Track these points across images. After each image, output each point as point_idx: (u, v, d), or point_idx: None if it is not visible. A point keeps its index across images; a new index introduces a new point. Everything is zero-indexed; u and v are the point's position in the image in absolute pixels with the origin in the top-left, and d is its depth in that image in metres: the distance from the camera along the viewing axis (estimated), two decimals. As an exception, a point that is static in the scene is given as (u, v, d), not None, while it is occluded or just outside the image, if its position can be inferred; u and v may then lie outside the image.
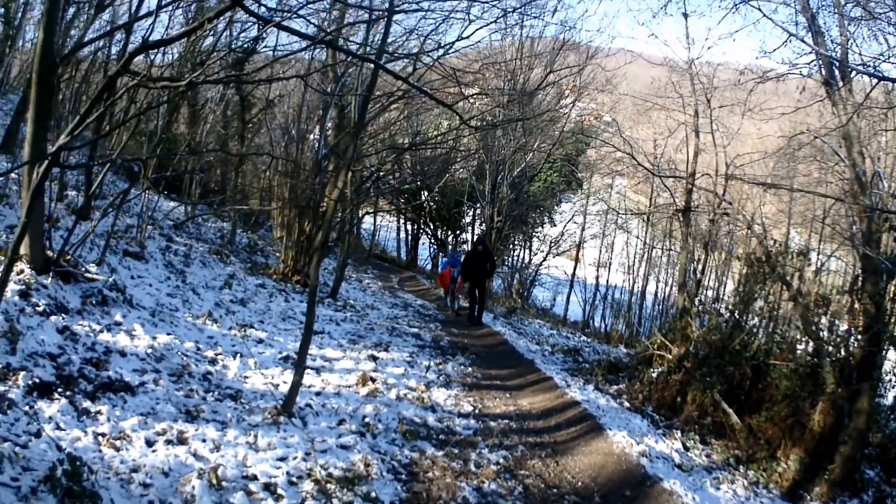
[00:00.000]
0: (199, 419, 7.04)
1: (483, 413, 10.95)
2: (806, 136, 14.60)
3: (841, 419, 10.37)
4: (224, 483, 5.80)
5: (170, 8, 13.29)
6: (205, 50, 18.23)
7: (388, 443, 8.23)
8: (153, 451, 6.07)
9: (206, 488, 5.60)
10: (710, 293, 20.24)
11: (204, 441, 6.49)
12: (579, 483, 8.64)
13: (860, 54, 12.28)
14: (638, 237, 36.65)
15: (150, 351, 8.57)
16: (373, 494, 6.46)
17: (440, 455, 8.25)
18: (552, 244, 40.56)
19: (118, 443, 6.01)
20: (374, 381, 10.67)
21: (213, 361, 9.36)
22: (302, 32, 9.17)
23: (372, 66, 10.57)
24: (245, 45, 18.88)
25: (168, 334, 9.64)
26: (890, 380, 12.26)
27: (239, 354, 9.88)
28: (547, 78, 29.30)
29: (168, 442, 6.32)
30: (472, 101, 30.97)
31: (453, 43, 18.17)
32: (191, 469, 5.86)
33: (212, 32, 17.97)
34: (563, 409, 11.72)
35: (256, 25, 15.15)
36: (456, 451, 8.58)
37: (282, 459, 6.57)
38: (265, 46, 19.30)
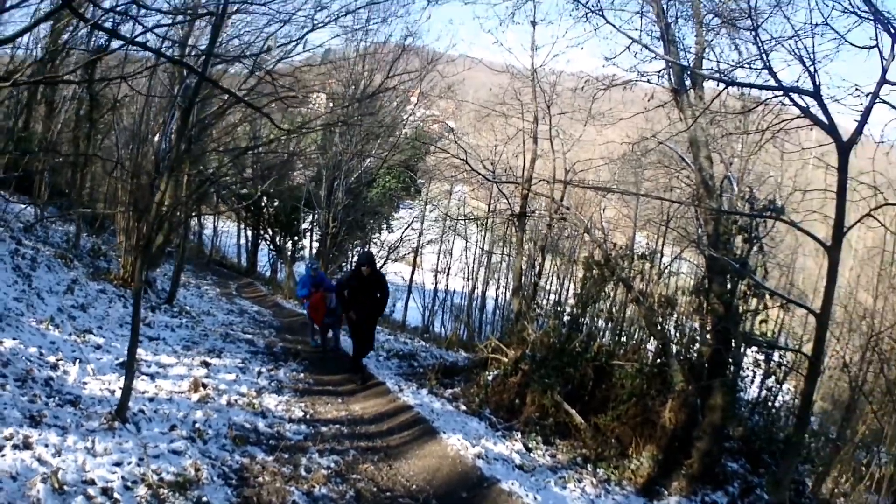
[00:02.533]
0: (42, 424, 6.88)
1: (314, 418, 11.05)
2: (651, 141, 14.91)
3: (693, 415, 10.59)
4: (66, 487, 5.72)
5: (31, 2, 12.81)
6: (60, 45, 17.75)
7: (218, 448, 8.19)
8: (2, 455, 5.94)
9: (49, 492, 5.55)
10: (552, 297, 20.43)
11: (47, 446, 6.36)
12: (413, 486, 8.75)
13: (717, 62, 12.59)
14: (476, 243, 36.86)
15: (-4, 356, 8.25)
16: (204, 499, 6.48)
17: (270, 460, 8.28)
18: (390, 250, 40.92)
19: (-31, 448, 5.82)
20: (205, 386, 10.62)
21: (54, 367, 9.11)
22: (122, 35, 8.87)
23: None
24: (100, 43, 18.42)
25: (14, 339, 9.34)
26: (747, 375, 12.61)
27: (78, 360, 9.65)
28: (386, 83, 29.18)
29: (15, 447, 6.17)
30: (310, 104, 30.87)
31: (291, 48, 17.93)
32: (36, 473, 5.75)
33: (69, 30, 17.47)
34: (395, 414, 11.84)
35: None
36: (286, 456, 8.60)
37: (117, 465, 6.48)
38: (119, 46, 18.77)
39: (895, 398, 10.93)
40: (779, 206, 10.86)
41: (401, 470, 9.20)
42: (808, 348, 9.97)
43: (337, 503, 7.57)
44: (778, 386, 13.10)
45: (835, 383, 15.02)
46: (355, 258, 20.17)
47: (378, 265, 20.73)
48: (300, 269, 40.47)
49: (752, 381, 13.02)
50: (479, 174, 22.15)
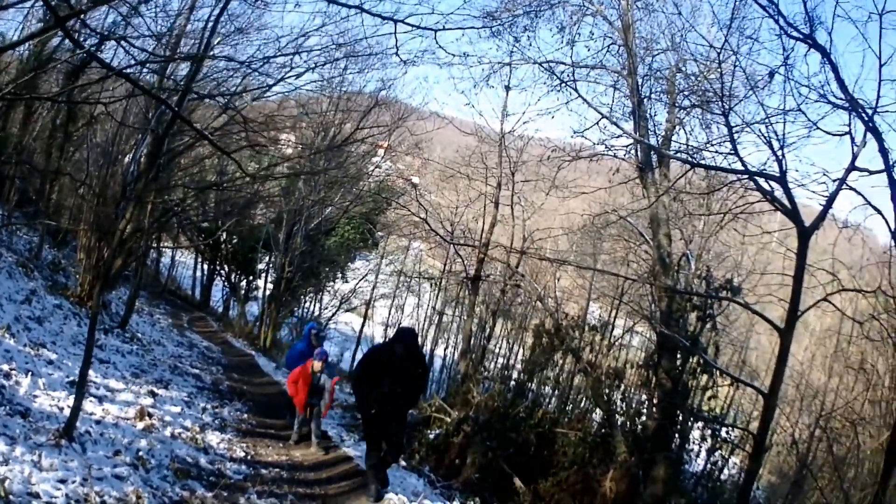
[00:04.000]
0: (-9, 435, 6.81)
1: (255, 460, 11.04)
2: (613, 215, 15.07)
3: (635, 486, 10.70)
4: (11, 497, 5.74)
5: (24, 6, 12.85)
6: (46, 54, 17.73)
7: (160, 478, 8.18)
8: None
9: None
10: (500, 361, 20.42)
11: None
12: None
13: (686, 141, 12.84)
14: (429, 301, 36.85)
15: (-53, 357, 8.22)
16: None
17: (209, 496, 8.27)
18: (343, 300, 40.98)
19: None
20: (151, 416, 10.60)
21: (7, 376, 9.05)
22: (106, 63, 8.96)
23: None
24: (84, 57, 18.41)
25: (-32, 342, 9.23)
26: (693, 449, 12.73)
27: (31, 373, 9.60)
28: (356, 133, 29.21)
29: None
30: (279, 147, 30.90)
31: (265, 91, 18.06)
32: None
33: (59, 35, 17.48)
34: (335, 464, 11.81)
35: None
36: (225, 493, 8.60)
37: (62, 482, 6.49)
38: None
39: (842, 475, 11.07)
40: (735, 286, 11.09)
41: None
42: (755, 425, 10.09)
43: None
44: (724, 460, 13.24)
45: (783, 458, 15.18)
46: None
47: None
48: (252, 309, 40.71)
49: (698, 455, 13.15)
50: (437, 234, 22.43)
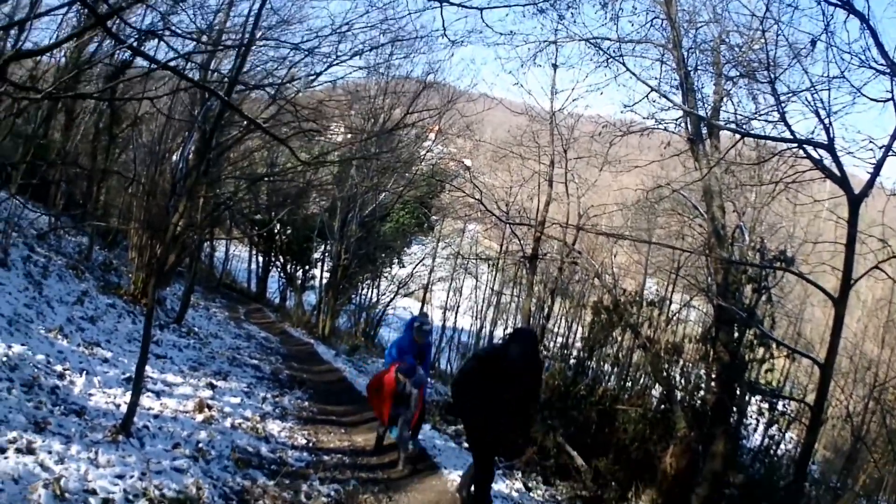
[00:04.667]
0: (46, 431, 6.86)
1: (317, 447, 10.99)
2: (666, 189, 14.87)
3: (695, 462, 10.54)
4: (67, 494, 5.72)
5: (58, 13, 12.90)
6: (85, 58, 17.82)
7: (220, 469, 8.16)
8: (5, 457, 5.94)
9: (51, 498, 5.55)
10: (560, 339, 20.29)
11: (50, 453, 6.35)
12: None
13: (735, 112, 12.65)
14: (486, 282, 36.71)
15: (4, 360, 8.30)
16: None
17: (271, 484, 8.22)
18: (400, 285, 40.80)
19: (-27, 449, 5.83)
20: (210, 408, 10.58)
21: (61, 376, 9.10)
22: (148, 55, 8.93)
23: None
24: (124, 58, 18.49)
25: (22, 345, 9.30)
26: (751, 423, 12.58)
27: (85, 371, 9.65)
28: (406, 118, 29.14)
29: (18, 451, 6.16)
30: (329, 135, 30.87)
31: (313, 79, 17.96)
32: (38, 478, 5.74)
33: (96, 40, 17.53)
34: (396, 447, 11.37)
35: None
36: (287, 481, 8.54)
37: (119, 477, 6.47)
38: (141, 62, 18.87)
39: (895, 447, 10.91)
40: (789, 256, 10.91)
41: (400, 502, 9.18)
42: (811, 398, 9.95)
43: None
44: (781, 434, 13.07)
45: (837, 432, 14.97)
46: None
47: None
48: (309, 298, 40.84)
49: (756, 430, 13.00)
50: (493, 215, 22.27)
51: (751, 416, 12.55)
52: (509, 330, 14.95)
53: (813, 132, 9.60)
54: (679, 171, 15.47)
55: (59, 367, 9.33)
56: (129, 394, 8.23)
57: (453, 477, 9.92)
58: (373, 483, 9.59)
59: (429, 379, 11.40)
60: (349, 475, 9.68)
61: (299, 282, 41.56)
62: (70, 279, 15.32)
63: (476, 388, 8.11)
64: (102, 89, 16.93)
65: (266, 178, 25.70)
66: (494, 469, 8.81)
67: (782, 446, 13.18)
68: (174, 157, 18.78)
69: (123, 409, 8.17)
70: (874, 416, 12.85)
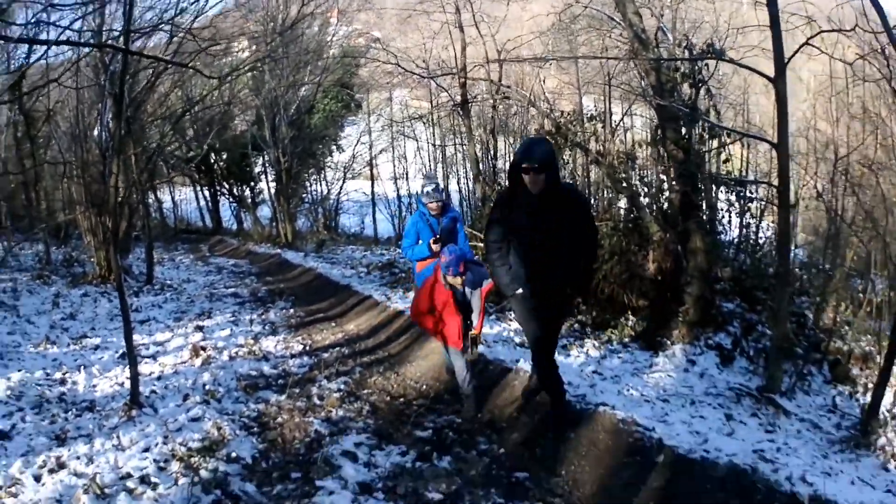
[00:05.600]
0: (68, 440, 6.97)
1: (314, 348, 11.45)
2: (577, 7, 14.81)
3: (678, 262, 10.75)
4: (106, 490, 5.82)
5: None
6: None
7: (233, 402, 8.37)
8: (42, 484, 5.99)
9: (93, 499, 5.65)
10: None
11: (78, 458, 6.45)
12: (423, 386, 9.09)
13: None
14: (427, 140, 36.53)
15: (8, 393, 8.39)
16: (233, 454, 6.60)
17: (284, 399, 8.44)
18: (346, 169, 40.50)
19: (13, 489, 5.93)
20: (204, 349, 10.83)
21: (62, 381, 9.20)
22: (41, 41, 8.75)
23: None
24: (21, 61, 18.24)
25: (19, 370, 9.43)
26: (723, 217, 12.77)
27: (82, 367, 9.79)
28: (302, 10, 28.82)
29: (51, 471, 6.23)
30: (235, 51, 30.54)
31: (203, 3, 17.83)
32: (76, 488, 5.82)
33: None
34: (389, 323, 12.15)
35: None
36: (297, 390, 8.80)
37: (146, 450, 6.62)
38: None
39: (875, 224, 11.10)
40: (718, 48, 10.96)
41: (408, 374, 9.57)
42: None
43: (356, 420, 7.78)
44: (756, 222, 13.27)
45: (813, 213, 15.17)
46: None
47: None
48: (263, 212, 40.85)
49: (730, 223, 13.19)
50: (414, 73, 22.13)
51: (721, 210, 12.71)
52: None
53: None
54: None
55: (58, 375, 9.44)
56: (128, 369, 8.32)
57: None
58: (377, 364, 10.12)
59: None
60: (352, 365, 10.16)
61: (249, 200, 41.32)
62: (39, 288, 15.51)
63: (505, 240, 6.70)
64: (11, 99, 16.71)
65: (187, 113, 25.35)
66: (555, 340, 7.11)
67: (762, 234, 13.35)
68: (95, 131, 18.56)
69: (128, 385, 8.28)
70: (846, 194, 13.01)
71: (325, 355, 10.74)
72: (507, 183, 7.01)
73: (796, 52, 7.41)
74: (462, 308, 7.81)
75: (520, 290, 6.63)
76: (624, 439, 6.29)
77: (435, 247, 8.73)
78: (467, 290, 7.85)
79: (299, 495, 5.86)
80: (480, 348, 8.75)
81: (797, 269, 11.80)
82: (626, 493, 5.64)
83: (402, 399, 8.58)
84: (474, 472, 6.33)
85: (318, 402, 8.37)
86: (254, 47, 29.98)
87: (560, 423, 6.88)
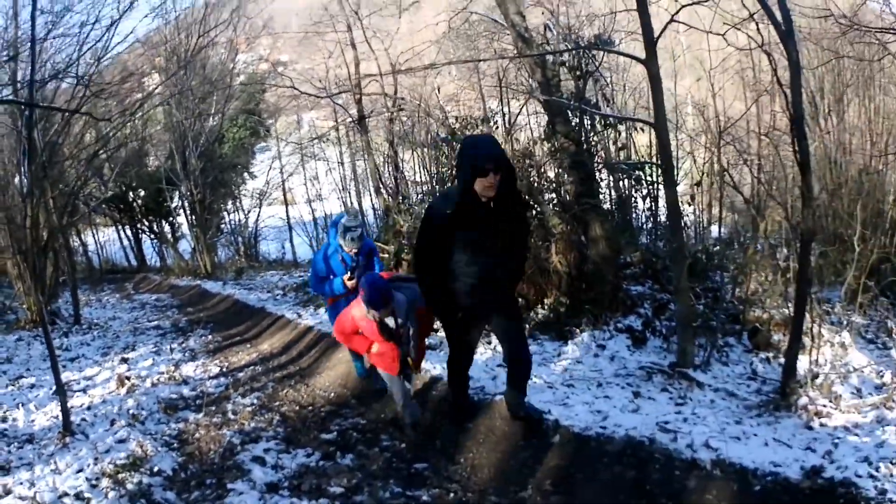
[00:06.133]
0: (12, 469, 7.31)
1: (230, 369, 11.81)
2: (463, 13, 15.21)
3: (582, 253, 10.97)
4: None
5: None
6: None
7: (155, 424, 8.79)
8: None
9: None
10: (426, 187, 20.36)
11: (21, 484, 6.81)
12: (332, 394, 9.57)
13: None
14: (336, 159, 36.46)
15: (-43, 441, 8.72)
16: (156, 468, 7.03)
17: (201, 417, 8.88)
18: (261, 196, 40.41)
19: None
20: (129, 378, 11.12)
21: (3, 419, 9.51)
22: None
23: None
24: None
25: (-36, 420, 9.78)
26: (635, 205, 13.15)
27: (20, 404, 10.10)
28: (200, 41, 28.92)
29: None
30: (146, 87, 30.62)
31: (107, 42, 17.87)
32: None
33: None
34: (300, 339, 12.61)
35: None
36: (213, 408, 9.24)
37: (80, 471, 6.99)
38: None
39: (769, 189, 11.47)
40: (605, 38, 11.37)
41: (317, 385, 10.04)
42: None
43: (266, 430, 8.27)
44: (653, 203, 13.67)
45: (727, 191, 15.42)
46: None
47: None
48: (183, 246, 39.67)
49: (635, 208, 13.59)
50: (311, 95, 22.47)
51: (624, 195, 13.08)
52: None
53: None
54: (480, 5, 15.79)
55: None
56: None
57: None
58: (288, 378, 10.60)
59: None
60: (265, 381, 10.62)
61: (169, 235, 40.78)
62: (-26, 341, 15.66)
63: (445, 257, 6.11)
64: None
65: (97, 153, 25.27)
66: (518, 350, 6.51)
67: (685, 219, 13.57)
68: (16, 180, 18.63)
69: (62, 417, 8.56)
70: (743, 164, 13.39)
71: (241, 374, 11.25)
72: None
73: (663, 30, 7.60)
74: (394, 335, 7.13)
75: (460, 315, 6.29)
76: (520, 424, 6.65)
77: (350, 283, 8.48)
78: (399, 314, 7.10)
79: (214, 498, 6.40)
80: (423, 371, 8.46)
81: (713, 246, 12.11)
82: (522, 474, 6.11)
83: (310, 408, 9.07)
84: (375, 467, 6.84)
85: (232, 416, 8.85)
86: (164, 82, 30.10)
87: (533, 429, 6.58)
